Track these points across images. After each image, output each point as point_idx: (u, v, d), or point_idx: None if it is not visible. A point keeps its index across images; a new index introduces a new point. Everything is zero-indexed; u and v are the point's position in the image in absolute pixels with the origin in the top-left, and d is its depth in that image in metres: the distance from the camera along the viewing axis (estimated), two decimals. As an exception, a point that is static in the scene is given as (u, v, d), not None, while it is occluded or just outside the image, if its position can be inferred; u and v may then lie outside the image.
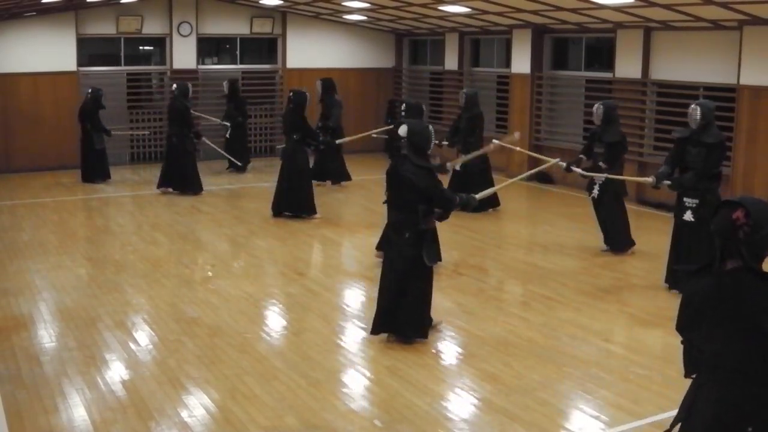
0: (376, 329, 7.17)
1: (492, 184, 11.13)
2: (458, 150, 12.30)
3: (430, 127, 7.10)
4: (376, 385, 6.32)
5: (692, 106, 8.38)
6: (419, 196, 6.82)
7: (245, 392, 6.10)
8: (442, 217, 7.08)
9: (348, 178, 14.71)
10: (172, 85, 14.20)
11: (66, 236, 11.00)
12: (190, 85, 14.02)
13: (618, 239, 10.11)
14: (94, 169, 14.84)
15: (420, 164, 6.84)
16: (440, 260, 8.85)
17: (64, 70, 16.03)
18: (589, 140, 10.25)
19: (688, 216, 8.27)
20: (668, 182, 8.48)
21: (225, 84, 16.14)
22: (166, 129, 14.12)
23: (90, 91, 14.72)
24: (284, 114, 12.64)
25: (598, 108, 9.94)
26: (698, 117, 8.23)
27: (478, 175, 11.98)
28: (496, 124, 17.01)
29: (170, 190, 13.78)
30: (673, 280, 8.54)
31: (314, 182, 12.73)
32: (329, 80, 14.60)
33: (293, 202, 12.04)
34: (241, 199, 13.60)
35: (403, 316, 7.04)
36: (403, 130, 6.93)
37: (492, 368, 6.62)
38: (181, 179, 13.71)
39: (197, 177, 13.83)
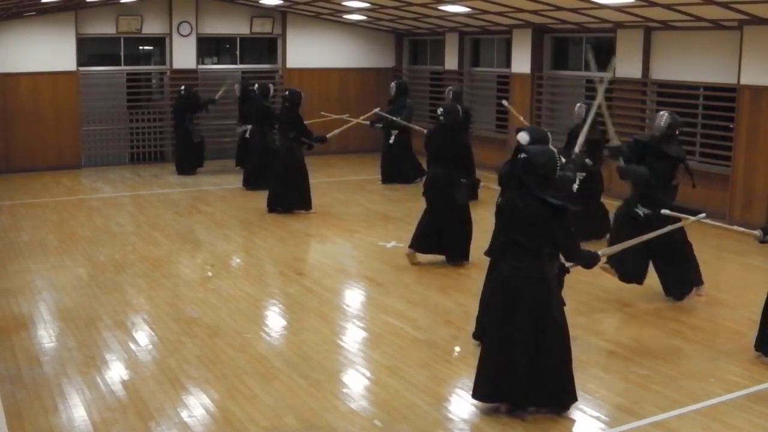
0: (491, 398, 5.83)
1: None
2: None
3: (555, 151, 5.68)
4: (376, 385, 6.32)
5: (661, 112, 8.18)
6: (544, 239, 5.56)
7: (245, 392, 6.11)
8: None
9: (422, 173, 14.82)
10: (254, 85, 14.72)
11: (66, 236, 11.00)
12: (271, 86, 14.64)
13: None
14: (192, 160, 15.70)
15: (544, 198, 5.49)
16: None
17: (64, 70, 16.01)
18: None
19: (640, 211, 8.00)
20: (623, 165, 8.21)
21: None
22: (251, 129, 14.70)
23: (183, 88, 15.57)
24: (279, 112, 12.81)
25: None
26: (663, 124, 7.99)
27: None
28: (496, 124, 17.00)
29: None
30: (666, 288, 8.39)
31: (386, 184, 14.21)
32: (404, 83, 14.93)
33: (288, 199, 12.21)
34: (241, 199, 13.59)
35: (547, 386, 5.70)
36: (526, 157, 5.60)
37: (492, 368, 6.61)
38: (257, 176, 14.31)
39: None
